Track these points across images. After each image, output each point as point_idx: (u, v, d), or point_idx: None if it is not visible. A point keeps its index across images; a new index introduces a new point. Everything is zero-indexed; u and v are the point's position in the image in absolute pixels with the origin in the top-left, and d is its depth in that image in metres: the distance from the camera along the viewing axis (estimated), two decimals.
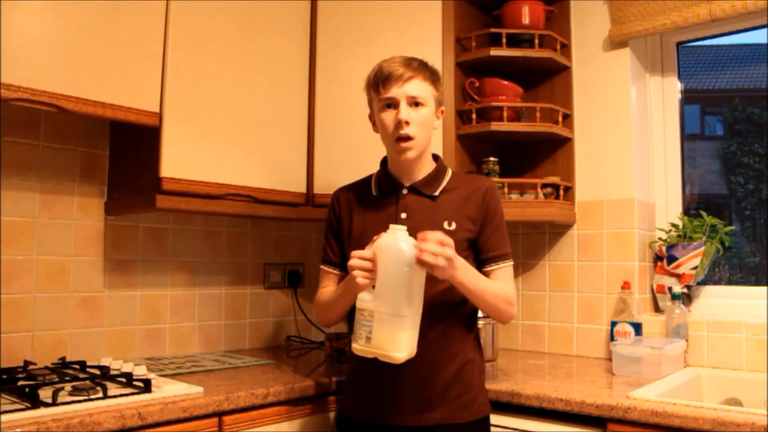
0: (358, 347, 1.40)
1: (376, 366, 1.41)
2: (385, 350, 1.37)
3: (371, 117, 1.64)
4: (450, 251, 1.36)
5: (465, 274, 1.45)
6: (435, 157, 1.67)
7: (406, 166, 1.59)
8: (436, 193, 1.59)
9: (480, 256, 1.59)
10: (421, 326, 1.46)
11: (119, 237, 2.04)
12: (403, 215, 1.57)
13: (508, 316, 1.57)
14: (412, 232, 1.43)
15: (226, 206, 1.95)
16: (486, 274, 1.57)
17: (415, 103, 1.53)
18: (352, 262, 1.40)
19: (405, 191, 1.60)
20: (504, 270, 1.58)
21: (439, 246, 1.34)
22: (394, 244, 1.37)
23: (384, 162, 1.67)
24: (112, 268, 2.02)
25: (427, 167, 1.62)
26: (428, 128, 1.57)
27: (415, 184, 1.60)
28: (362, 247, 1.47)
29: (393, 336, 1.37)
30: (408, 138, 1.53)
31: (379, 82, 1.55)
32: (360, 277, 1.38)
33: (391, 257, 1.37)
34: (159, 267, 2.14)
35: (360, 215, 1.64)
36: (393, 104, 1.54)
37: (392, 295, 1.37)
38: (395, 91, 1.52)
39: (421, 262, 1.34)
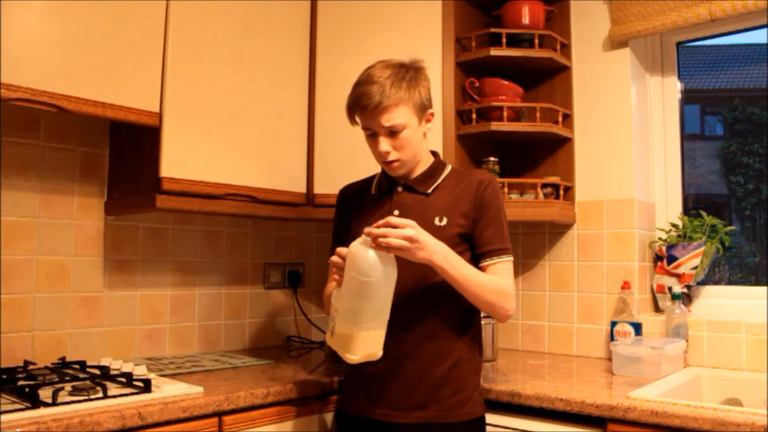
0: (327, 338, 1.47)
1: (372, 363, 1.44)
2: (341, 349, 1.43)
3: None
4: (410, 231, 1.37)
5: (446, 257, 1.44)
6: (434, 154, 1.67)
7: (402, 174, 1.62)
8: (429, 191, 1.60)
9: (475, 251, 1.56)
10: (412, 323, 1.52)
11: (119, 237, 2.04)
12: (396, 212, 1.59)
13: (503, 311, 1.52)
14: None
15: (226, 206, 1.95)
16: (482, 270, 1.54)
17: (391, 131, 1.51)
18: (332, 257, 1.47)
19: (400, 189, 1.62)
20: (500, 266, 1.54)
21: (392, 228, 1.37)
22: (357, 251, 1.39)
23: None
24: (112, 268, 2.02)
25: (422, 166, 1.63)
26: (413, 144, 1.55)
27: (410, 181, 1.62)
28: None
29: (348, 337, 1.40)
30: (392, 162, 1.55)
31: (354, 112, 1.55)
32: (335, 274, 1.45)
33: (352, 264, 1.39)
34: (159, 267, 2.14)
35: (358, 213, 1.66)
36: (372, 133, 1.55)
37: (350, 300, 1.40)
38: (370, 123, 1.52)
39: (380, 248, 1.37)
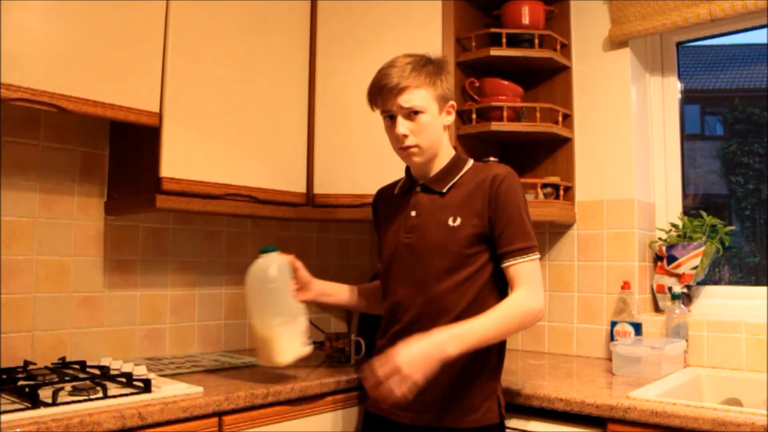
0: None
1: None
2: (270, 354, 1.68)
3: None
4: (398, 360, 1.31)
5: (457, 344, 1.36)
6: (455, 150, 1.65)
7: (419, 166, 1.59)
8: (444, 190, 1.57)
9: (496, 252, 1.51)
10: (420, 330, 1.47)
11: (119, 237, 2.04)
12: (413, 213, 1.58)
13: (532, 323, 1.47)
14: (419, 229, 1.53)
15: (227, 206, 1.95)
16: (504, 271, 1.50)
17: (413, 112, 1.50)
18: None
19: (418, 189, 1.61)
20: (518, 267, 1.47)
21: (385, 374, 1.31)
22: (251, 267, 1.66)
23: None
24: (112, 268, 2.02)
25: (441, 163, 1.60)
26: (431, 132, 1.53)
27: (427, 181, 1.60)
28: (383, 242, 1.61)
29: (256, 341, 1.70)
30: (409, 147, 1.53)
31: (373, 95, 1.55)
32: None
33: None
34: (159, 267, 2.14)
35: (385, 214, 1.68)
36: (391, 116, 1.53)
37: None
38: (389, 104, 1.52)
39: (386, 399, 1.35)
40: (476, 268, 1.50)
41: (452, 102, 1.59)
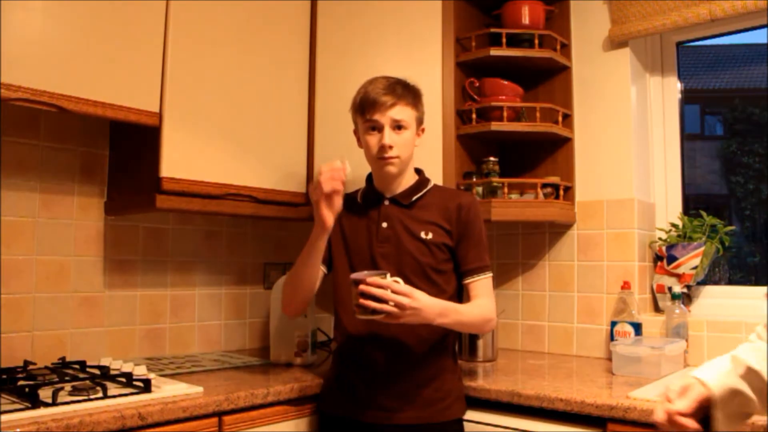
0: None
1: (356, 368, 1.59)
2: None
3: (356, 132, 1.73)
4: (404, 300, 1.43)
5: (443, 320, 1.53)
6: (418, 171, 1.76)
7: (389, 180, 1.68)
8: (415, 205, 1.68)
9: (460, 269, 1.67)
10: (394, 332, 1.60)
11: (119, 237, 2.04)
12: (384, 224, 1.66)
13: (488, 329, 1.77)
14: (393, 239, 1.63)
15: (227, 206, 1.95)
16: (466, 286, 1.67)
17: (398, 126, 1.62)
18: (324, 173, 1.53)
19: (387, 202, 1.69)
20: (482, 282, 1.67)
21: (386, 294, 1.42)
22: None
23: (369, 177, 1.76)
24: (112, 268, 2.02)
25: (408, 181, 1.71)
26: (410, 148, 1.66)
27: (396, 195, 1.69)
28: (349, 249, 1.66)
29: None
30: (391, 158, 1.62)
31: (364, 106, 1.63)
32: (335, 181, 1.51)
33: None
34: (159, 267, 2.14)
35: (347, 220, 1.72)
36: (377, 127, 1.63)
37: None
38: (379, 116, 1.61)
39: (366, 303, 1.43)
40: (444, 280, 1.64)
41: (423, 126, 1.72)
